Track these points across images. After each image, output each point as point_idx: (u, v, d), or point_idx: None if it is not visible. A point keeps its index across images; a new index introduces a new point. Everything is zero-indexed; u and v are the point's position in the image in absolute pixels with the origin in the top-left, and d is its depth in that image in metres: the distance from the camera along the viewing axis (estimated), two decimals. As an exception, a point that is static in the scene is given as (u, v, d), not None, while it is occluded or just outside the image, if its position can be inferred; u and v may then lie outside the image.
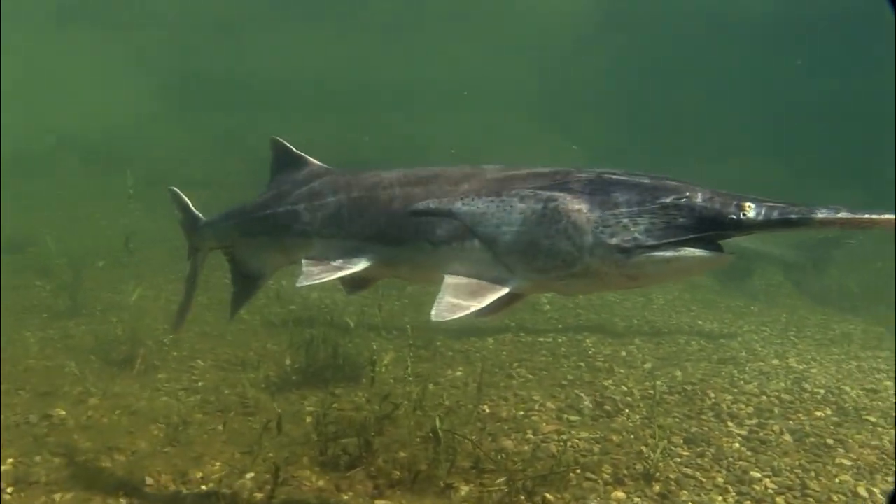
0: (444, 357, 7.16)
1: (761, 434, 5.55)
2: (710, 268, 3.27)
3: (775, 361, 7.57)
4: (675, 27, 28.29)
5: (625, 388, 6.35)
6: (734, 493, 4.60)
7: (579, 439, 5.25)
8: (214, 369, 6.72)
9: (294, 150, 4.53)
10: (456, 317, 3.30)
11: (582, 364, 7.04)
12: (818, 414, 6.08)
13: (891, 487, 4.81)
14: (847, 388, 6.77)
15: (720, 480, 4.75)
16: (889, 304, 11.27)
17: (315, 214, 4.09)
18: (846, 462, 5.15)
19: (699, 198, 3.12)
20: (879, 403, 6.47)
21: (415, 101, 27.67)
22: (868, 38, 25.43)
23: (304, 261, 3.94)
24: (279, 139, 4.60)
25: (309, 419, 5.46)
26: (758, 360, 7.61)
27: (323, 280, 3.76)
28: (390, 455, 4.84)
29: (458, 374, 6.68)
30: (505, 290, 3.41)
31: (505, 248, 3.42)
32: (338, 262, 3.87)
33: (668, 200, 3.14)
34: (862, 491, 4.73)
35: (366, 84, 28.52)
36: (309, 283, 3.78)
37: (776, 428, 5.68)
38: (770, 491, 4.66)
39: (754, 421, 5.81)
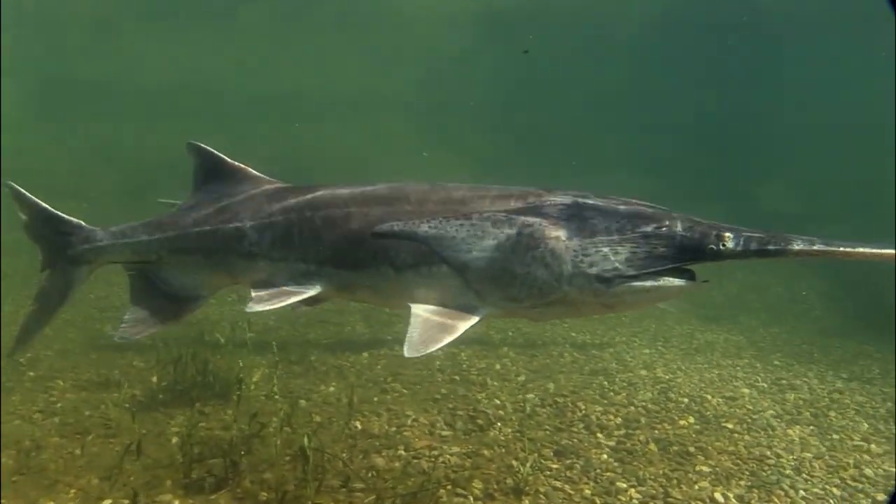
0: (318, 372, 7.04)
1: (628, 444, 5.70)
2: (683, 294, 3.26)
3: (643, 372, 7.80)
4: (555, 39, 28.96)
5: (497, 402, 6.41)
6: (600, 505, 4.70)
7: (451, 454, 5.24)
8: (75, 389, 6.38)
9: (227, 159, 4.20)
10: (429, 351, 3.15)
11: (456, 377, 7.07)
12: (682, 423, 6.30)
13: (745, 493, 5.01)
14: (708, 397, 7.05)
15: (588, 492, 4.84)
16: (749, 313, 11.86)
17: (263, 234, 3.80)
18: (706, 469, 5.35)
19: (679, 227, 3.14)
20: (737, 410, 6.76)
21: (301, 109, 27.30)
22: (742, 57, 26.88)
23: (252, 286, 3.71)
24: (202, 145, 4.23)
25: (175, 440, 5.24)
26: (627, 370, 7.83)
27: (273, 307, 3.52)
28: (258, 475, 4.70)
29: (332, 389, 6.58)
30: (475, 319, 3.32)
31: (476, 275, 3.30)
32: (289, 287, 3.64)
33: (648, 229, 3.15)
34: (718, 496, 4.91)
35: (250, 92, 27.97)
36: (259, 310, 3.55)
37: (642, 438, 5.84)
38: (635, 501, 4.78)
39: (622, 431, 5.96)
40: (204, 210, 4.07)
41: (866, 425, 6.81)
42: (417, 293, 3.43)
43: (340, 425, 5.60)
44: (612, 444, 5.71)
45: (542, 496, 4.70)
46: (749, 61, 27.26)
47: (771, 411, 6.89)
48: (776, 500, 4.98)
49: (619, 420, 6.21)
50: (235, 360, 6.86)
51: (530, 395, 6.63)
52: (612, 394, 6.91)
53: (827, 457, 5.87)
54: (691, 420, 6.38)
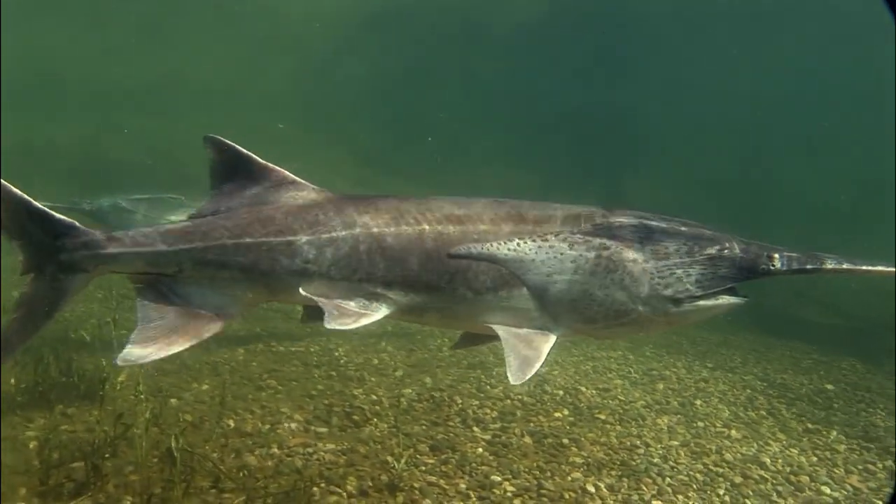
0: (191, 370, 6.80)
1: (504, 438, 5.75)
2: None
3: (520, 365, 7.87)
4: (433, 31, 29.02)
5: (374, 397, 6.35)
6: (475, 499, 4.71)
7: (325, 451, 5.15)
8: (-80, 393, 5.95)
9: (256, 157, 3.75)
10: (528, 378, 3.23)
11: (333, 373, 6.96)
12: (556, 415, 6.41)
13: (615, 482, 5.14)
14: (583, 389, 7.20)
15: (463, 486, 4.84)
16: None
17: (322, 251, 3.47)
18: (578, 460, 5.45)
19: (737, 249, 3.39)
20: (609, 401, 6.94)
21: (172, 99, 26.32)
22: (619, 52, 27.65)
23: (322, 301, 3.39)
24: (223, 140, 3.74)
25: (33, 444, 4.95)
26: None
27: (351, 327, 3.30)
28: (122, 479, 4.48)
29: (205, 387, 6.36)
30: (553, 339, 3.35)
31: (555, 298, 3.31)
32: (355, 308, 3.41)
33: (713, 251, 3.38)
34: (590, 487, 5.01)
35: (117, 81, 26.74)
36: (339, 328, 3.29)
37: (518, 431, 5.91)
38: (509, 494, 4.81)
39: (498, 425, 6.01)
40: (238, 218, 3.63)
41: (727, 412, 7.11)
42: (493, 316, 3.42)
43: (212, 424, 5.41)
44: (487, 437, 5.74)
45: (416, 492, 4.68)
46: (624, 57, 28.10)
47: (642, 402, 7.10)
48: (644, 487, 5.12)
49: (495, 414, 6.26)
50: (101, 360, 6.55)
51: (407, 390, 6.61)
52: (488, 387, 6.96)
53: (692, 444, 6.09)
54: (566, 412, 6.50)
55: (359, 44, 30.21)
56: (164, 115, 22.96)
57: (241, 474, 4.62)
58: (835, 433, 6.81)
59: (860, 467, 6.08)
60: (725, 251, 3.39)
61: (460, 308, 3.44)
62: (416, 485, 4.76)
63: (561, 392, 7.01)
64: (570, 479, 5.12)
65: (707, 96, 27.45)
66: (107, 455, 4.59)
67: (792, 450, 6.28)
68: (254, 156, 3.75)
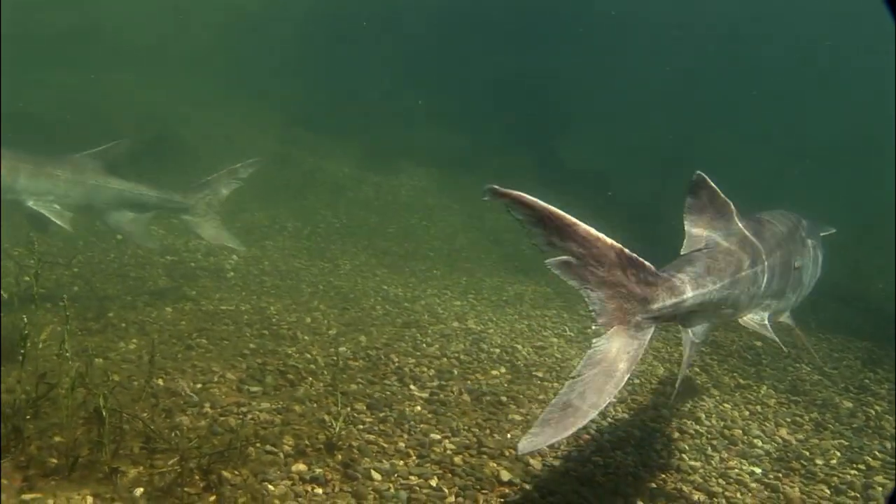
0: (117, 329, 6.51)
1: (442, 396, 5.66)
2: None
3: (455, 324, 7.81)
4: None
5: (308, 356, 6.18)
6: (415, 457, 4.61)
7: (260, 411, 4.98)
8: None
9: (719, 191, 4.02)
10: None
11: (265, 332, 6.76)
12: (494, 373, 6.35)
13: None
14: (519, 347, 7.16)
15: (402, 445, 4.74)
16: (555, 266, 12.22)
17: (771, 277, 4.22)
18: (517, 417, 5.40)
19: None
20: (546, 359, 6.91)
21: (86, 52, 25.12)
22: (552, 16, 27.59)
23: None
24: (708, 178, 3.97)
25: (-55, 408, 4.65)
26: (439, 322, 7.81)
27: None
28: (46, 441, 4.24)
29: (132, 346, 6.10)
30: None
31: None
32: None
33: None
34: (531, 444, 4.96)
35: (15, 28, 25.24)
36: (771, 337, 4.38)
37: (456, 389, 5.82)
38: (449, 452, 4.73)
39: (435, 383, 5.92)
40: (739, 253, 3.96)
41: (662, 369, 7.16)
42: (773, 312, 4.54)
43: (141, 384, 5.17)
44: (425, 395, 5.65)
45: (355, 451, 4.55)
46: (558, 20, 28.05)
47: (578, 359, 7.06)
48: (583, 444, 5.10)
49: (432, 372, 6.17)
50: (21, 317, 6.20)
51: (342, 349, 6.46)
52: (424, 346, 6.86)
53: (629, 400, 6.11)
54: (503, 370, 6.45)
55: (288, 1, 29.38)
56: (85, 69, 21.96)
57: (172, 434, 4.44)
58: (765, 388, 6.94)
59: (789, 420, 6.20)
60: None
61: (780, 307, 4.81)
62: (354, 444, 4.64)
63: (497, 350, 6.96)
64: (509, 436, 5.06)
65: (638, 62, 27.62)
66: (28, 416, 4.34)
67: (725, 405, 6.36)
68: (717, 189, 4.05)
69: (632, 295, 3.18)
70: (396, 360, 6.31)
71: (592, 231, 3.10)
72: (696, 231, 3.92)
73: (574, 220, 3.06)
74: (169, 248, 9.60)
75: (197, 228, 7.92)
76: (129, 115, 15.93)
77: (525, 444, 2.91)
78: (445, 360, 6.51)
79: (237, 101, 20.60)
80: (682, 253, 3.82)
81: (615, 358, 3.13)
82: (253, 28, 28.39)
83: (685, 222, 3.95)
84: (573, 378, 3.08)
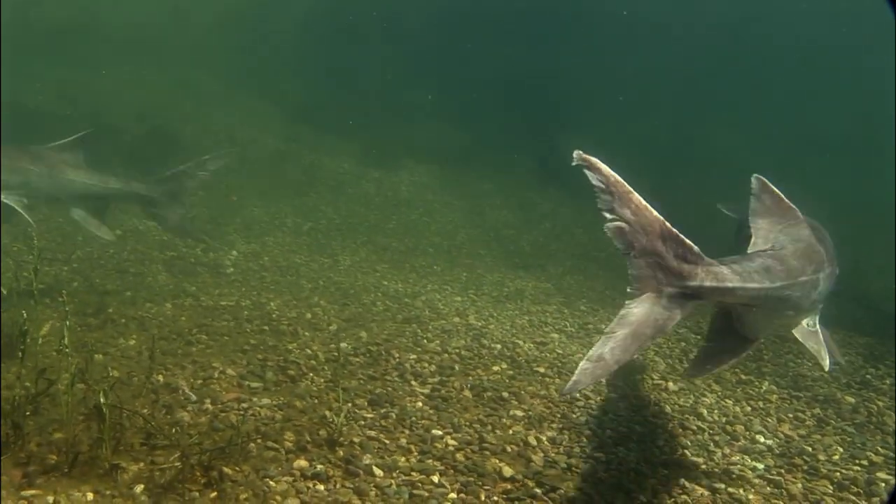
0: (117, 325, 6.49)
1: (443, 391, 5.64)
2: None
3: (456, 319, 7.79)
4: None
5: (309, 352, 6.16)
6: (417, 453, 4.59)
7: (261, 407, 4.96)
8: None
9: (783, 196, 4.30)
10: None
11: (266, 328, 6.74)
12: (495, 368, 6.33)
13: (556, 434, 5.09)
14: (520, 342, 7.14)
15: (403, 441, 4.72)
16: (555, 261, 12.22)
17: (827, 283, 4.35)
18: (519, 413, 5.38)
19: None
20: (547, 355, 6.89)
21: (87, 45, 25.03)
22: (552, 15, 27.55)
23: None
24: (768, 182, 4.32)
25: (-56, 404, 4.63)
26: (440, 318, 7.79)
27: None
28: (46, 437, 4.23)
29: (132, 342, 6.08)
30: None
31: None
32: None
33: None
34: (532, 440, 4.94)
35: (30, 24, 25.24)
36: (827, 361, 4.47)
37: (457, 384, 5.80)
38: (451, 448, 4.71)
39: (436, 379, 5.89)
40: (794, 256, 4.05)
41: (664, 364, 7.14)
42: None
43: (141, 380, 5.16)
44: (426, 391, 5.63)
45: (357, 447, 4.54)
46: (558, 20, 28.00)
47: (579, 355, 7.06)
48: (585, 440, 5.08)
49: (433, 367, 6.15)
50: (20, 312, 6.18)
51: (343, 345, 6.44)
52: (425, 341, 6.84)
53: (631, 396, 6.09)
54: (504, 366, 6.43)
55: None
56: (82, 64, 21.90)
57: (173, 430, 4.42)
58: (766, 383, 6.92)
59: (791, 416, 6.18)
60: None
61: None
62: (355, 440, 4.62)
63: (498, 346, 6.93)
64: (511, 432, 5.04)
65: (639, 62, 27.57)
66: (28, 413, 4.32)
67: (727, 400, 6.34)
68: (781, 194, 4.35)
69: (668, 267, 3.34)
70: (397, 355, 6.29)
71: (643, 202, 3.30)
72: (762, 234, 4.17)
73: (630, 189, 3.28)
74: (168, 243, 9.58)
75: (161, 221, 7.90)
76: (128, 110, 15.90)
77: (569, 387, 3.24)
78: (446, 355, 6.49)
79: (239, 97, 20.57)
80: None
81: (643, 322, 3.30)
82: (255, 24, 28.36)
83: (750, 226, 4.22)
84: (606, 334, 3.30)
